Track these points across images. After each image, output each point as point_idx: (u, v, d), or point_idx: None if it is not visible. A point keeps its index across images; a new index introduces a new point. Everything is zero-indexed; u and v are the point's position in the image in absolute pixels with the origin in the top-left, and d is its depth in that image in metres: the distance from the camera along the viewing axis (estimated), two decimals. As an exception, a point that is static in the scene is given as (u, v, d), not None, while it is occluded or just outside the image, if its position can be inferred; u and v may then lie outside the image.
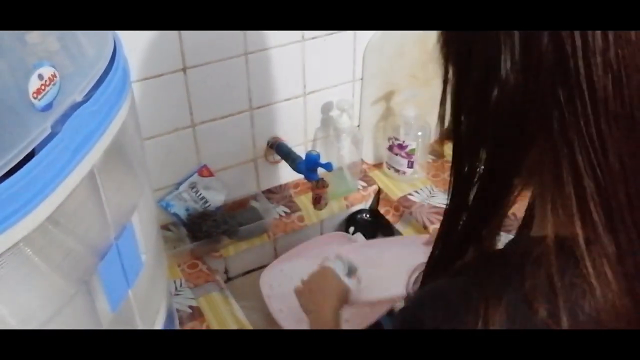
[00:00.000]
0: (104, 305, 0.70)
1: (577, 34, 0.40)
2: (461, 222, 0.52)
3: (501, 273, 0.48)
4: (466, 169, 0.50)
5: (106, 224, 0.69)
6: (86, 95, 0.61)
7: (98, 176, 0.64)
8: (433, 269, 0.57)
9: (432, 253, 0.57)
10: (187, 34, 1.05)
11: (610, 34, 0.40)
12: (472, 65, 0.45)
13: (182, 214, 1.23)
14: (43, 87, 0.54)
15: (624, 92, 0.41)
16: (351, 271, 1.01)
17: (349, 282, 0.99)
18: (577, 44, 0.41)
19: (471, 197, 0.50)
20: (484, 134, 0.47)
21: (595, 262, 0.44)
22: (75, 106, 0.60)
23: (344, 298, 0.98)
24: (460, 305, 0.48)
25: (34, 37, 0.57)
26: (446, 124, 0.51)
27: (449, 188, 0.52)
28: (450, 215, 0.54)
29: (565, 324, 0.44)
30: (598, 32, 0.40)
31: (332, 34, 1.22)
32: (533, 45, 0.42)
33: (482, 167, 0.49)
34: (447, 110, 0.50)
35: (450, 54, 0.48)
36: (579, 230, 0.45)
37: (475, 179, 0.49)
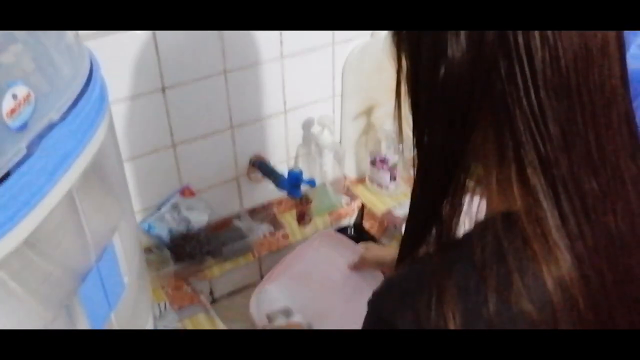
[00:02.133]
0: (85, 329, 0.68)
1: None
2: (422, 204, 0.54)
3: (452, 253, 0.50)
4: (425, 149, 0.52)
5: (86, 246, 0.67)
6: (62, 114, 0.60)
7: (77, 197, 0.63)
8: (401, 257, 0.58)
9: (402, 240, 0.58)
10: (164, 53, 1.05)
11: None
12: (422, 48, 0.47)
13: (165, 235, 1.21)
14: (17, 107, 0.53)
15: (561, 63, 0.44)
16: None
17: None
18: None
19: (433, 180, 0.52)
20: (436, 110, 0.49)
21: (536, 231, 0.46)
22: (52, 126, 0.59)
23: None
24: (415, 289, 0.49)
25: (8, 56, 0.56)
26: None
27: (413, 171, 0.54)
28: (413, 200, 0.55)
29: (516, 291, 0.45)
30: None
31: (311, 50, 1.22)
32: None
33: (435, 144, 0.50)
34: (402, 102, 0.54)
35: (402, 42, 0.51)
36: (519, 199, 0.47)
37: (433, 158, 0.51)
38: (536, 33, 0.43)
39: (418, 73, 0.49)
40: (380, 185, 1.38)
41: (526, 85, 0.44)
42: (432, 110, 0.49)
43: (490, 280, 0.46)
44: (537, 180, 0.46)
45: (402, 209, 1.35)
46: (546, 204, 0.46)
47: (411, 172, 1.41)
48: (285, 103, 1.25)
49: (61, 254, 0.64)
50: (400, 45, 0.51)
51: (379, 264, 1.13)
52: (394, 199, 1.38)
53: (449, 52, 0.45)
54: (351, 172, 1.44)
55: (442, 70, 0.46)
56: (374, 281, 1.12)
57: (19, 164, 0.54)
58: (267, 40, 1.15)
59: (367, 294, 0.53)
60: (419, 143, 0.52)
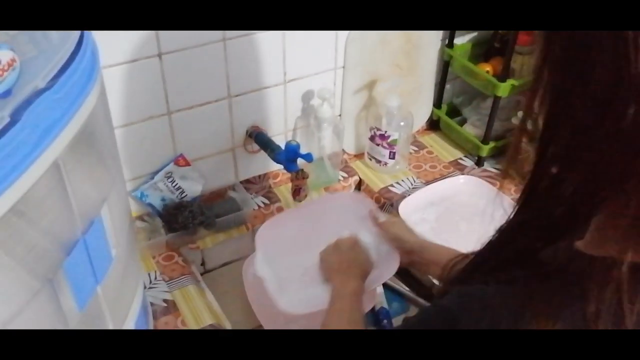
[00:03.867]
0: (70, 303, 0.66)
1: None
2: (529, 230, 0.49)
3: (557, 291, 0.45)
4: (547, 177, 0.45)
5: (73, 218, 0.65)
6: (50, 81, 0.58)
7: (63, 167, 0.61)
8: (478, 267, 0.54)
9: (481, 251, 0.54)
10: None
11: None
12: (591, 73, 0.40)
13: (158, 204, 1.19)
14: (1, 72, 0.50)
15: None
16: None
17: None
18: None
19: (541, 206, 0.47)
20: (590, 146, 0.41)
21: None
22: (38, 93, 0.56)
23: (367, 273, 0.96)
24: (508, 318, 0.45)
25: (-9, 18, 0.53)
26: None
27: (521, 195, 0.48)
28: (517, 222, 0.50)
29: None
30: None
31: (313, 20, 1.18)
32: None
33: (573, 176, 0.43)
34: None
35: (554, 57, 0.43)
36: None
37: (559, 189, 0.44)
38: None
39: (580, 100, 0.41)
40: (378, 161, 1.35)
41: None
42: (583, 146, 0.42)
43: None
44: None
45: (399, 187, 1.33)
46: None
47: (410, 150, 1.38)
48: (285, 74, 1.22)
49: (47, 225, 0.62)
50: (549, 61, 0.43)
51: (397, 243, 1.00)
52: (392, 177, 1.36)
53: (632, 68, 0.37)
54: (350, 147, 1.41)
55: (631, 110, 0.38)
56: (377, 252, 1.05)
57: (2, 132, 0.51)
58: (268, 8, 1.11)
59: None
60: (542, 169, 0.46)
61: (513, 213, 0.50)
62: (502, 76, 1.26)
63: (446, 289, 0.56)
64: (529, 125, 0.47)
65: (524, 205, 0.48)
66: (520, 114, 0.48)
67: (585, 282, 0.44)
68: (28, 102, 0.55)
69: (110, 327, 0.78)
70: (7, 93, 0.51)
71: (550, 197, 0.46)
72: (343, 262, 0.97)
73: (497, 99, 1.29)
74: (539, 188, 0.46)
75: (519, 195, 0.49)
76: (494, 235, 0.53)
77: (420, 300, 1.18)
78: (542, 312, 0.44)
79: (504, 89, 1.26)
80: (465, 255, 0.61)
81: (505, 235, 0.51)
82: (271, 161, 1.21)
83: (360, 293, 0.90)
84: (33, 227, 0.60)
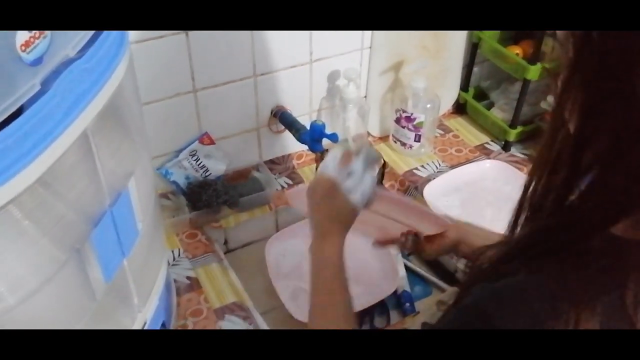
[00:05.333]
0: (97, 274, 0.67)
1: None
2: (568, 219, 0.47)
3: (595, 278, 0.44)
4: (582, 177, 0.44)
5: (100, 189, 0.65)
6: (80, 51, 0.57)
7: (92, 138, 0.61)
8: (510, 257, 0.51)
9: (513, 240, 0.52)
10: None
11: None
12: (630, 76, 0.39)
13: (182, 182, 1.19)
14: (32, 40, 0.50)
15: None
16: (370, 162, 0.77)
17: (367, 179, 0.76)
18: None
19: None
20: (631, 150, 0.41)
21: None
22: (68, 62, 0.56)
23: (350, 222, 0.76)
24: (545, 310, 0.44)
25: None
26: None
27: (558, 188, 0.47)
28: (556, 211, 0.48)
29: None
30: None
31: (341, -1, 1.17)
32: None
33: (614, 179, 0.43)
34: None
35: (586, 67, 0.42)
36: None
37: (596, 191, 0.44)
38: None
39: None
40: (403, 144, 1.34)
41: None
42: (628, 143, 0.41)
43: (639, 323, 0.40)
44: None
45: (424, 170, 1.32)
46: None
47: (435, 133, 1.37)
48: (311, 53, 1.21)
49: (75, 196, 0.62)
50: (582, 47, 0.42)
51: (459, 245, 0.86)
52: (416, 160, 1.35)
53: None
54: (374, 129, 1.40)
55: None
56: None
57: (33, 100, 0.51)
58: (296, -14, 1.10)
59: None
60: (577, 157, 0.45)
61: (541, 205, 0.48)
62: (532, 59, 1.23)
63: (472, 280, 0.55)
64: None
65: (558, 201, 0.47)
66: (550, 98, 0.46)
67: (623, 268, 0.43)
68: (58, 71, 0.54)
69: (135, 300, 0.78)
70: (38, 61, 0.51)
71: (586, 197, 0.45)
72: (322, 208, 0.76)
73: (526, 82, 1.26)
74: (573, 187, 0.45)
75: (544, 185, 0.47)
76: (524, 225, 0.51)
77: (443, 285, 1.17)
78: (580, 300, 0.42)
79: (533, 72, 1.23)
80: (496, 244, 0.59)
81: (534, 227, 0.50)
82: (295, 142, 1.20)
83: (340, 254, 0.73)
84: (60, 198, 0.60)
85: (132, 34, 0.99)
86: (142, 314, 0.80)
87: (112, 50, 0.63)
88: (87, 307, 0.68)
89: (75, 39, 0.57)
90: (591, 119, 0.43)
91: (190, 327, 0.98)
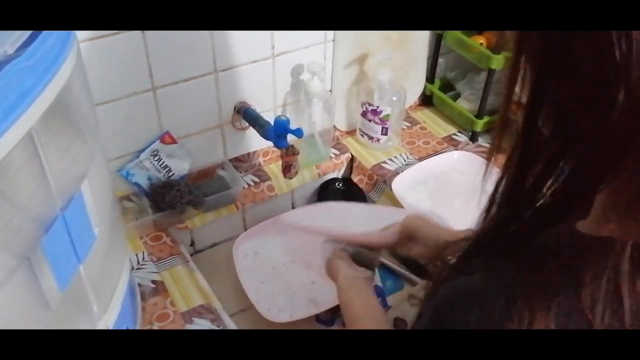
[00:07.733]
0: (50, 283, 0.63)
1: None
2: (523, 213, 0.46)
3: (551, 275, 0.42)
4: (542, 162, 0.43)
5: (50, 193, 0.62)
6: (19, 48, 0.54)
7: (37, 139, 0.58)
8: (468, 256, 0.50)
9: (472, 239, 0.51)
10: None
11: None
12: (576, 54, 0.37)
13: (144, 183, 1.16)
14: (-36, 36, 0.47)
15: None
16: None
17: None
18: None
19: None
20: (582, 135, 0.39)
21: None
22: (6, 60, 0.53)
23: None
24: (499, 309, 0.42)
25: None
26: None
27: (513, 179, 0.45)
28: (512, 205, 0.47)
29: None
30: None
31: (302, -9, 1.14)
32: None
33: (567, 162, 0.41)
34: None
35: (531, 48, 0.41)
36: None
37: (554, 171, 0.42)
38: None
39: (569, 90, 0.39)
40: (371, 138, 1.32)
41: None
42: (578, 132, 0.40)
43: (597, 324, 0.39)
44: None
45: (392, 163, 1.31)
46: None
47: (402, 125, 1.36)
48: (273, 47, 1.18)
49: (22, 200, 0.59)
50: (523, 47, 0.41)
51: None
52: (384, 153, 1.33)
53: (617, 54, 0.35)
54: (341, 124, 1.38)
55: (620, 96, 0.35)
56: None
57: (-32, 100, 0.48)
58: (255, -21, 1.07)
59: None
60: (534, 154, 0.43)
61: (503, 199, 0.47)
62: (496, 48, 1.23)
63: (440, 276, 0.53)
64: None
65: (515, 189, 0.45)
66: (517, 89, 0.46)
67: (581, 266, 0.41)
68: (-4, 69, 0.51)
69: (95, 308, 0.75)
70: (-28, 59, 0.48)
71: (542, 181, 0.43)
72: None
73: (491, 71, 1.26)
74: (529, 173, 0.44)
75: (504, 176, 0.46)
76: (483, 222, 0.49)
77: (415, 278, 1.16)
78: (535, 297, 0.41)
79: (498, 62, 1.23)
80: (460, 240, 0.58)
81: (495, 223, 0.48)
82: (261, 138, 1.18)
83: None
84: (7, 201, 0.57)
85: (85, 32, 0.95)
86: (103, 321, 0.77)
87: (56, 47, 0.60)
88: (41, 317, 0.64)
89: (13, 36, 0.54)
90: (537, 98, 0.41)
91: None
